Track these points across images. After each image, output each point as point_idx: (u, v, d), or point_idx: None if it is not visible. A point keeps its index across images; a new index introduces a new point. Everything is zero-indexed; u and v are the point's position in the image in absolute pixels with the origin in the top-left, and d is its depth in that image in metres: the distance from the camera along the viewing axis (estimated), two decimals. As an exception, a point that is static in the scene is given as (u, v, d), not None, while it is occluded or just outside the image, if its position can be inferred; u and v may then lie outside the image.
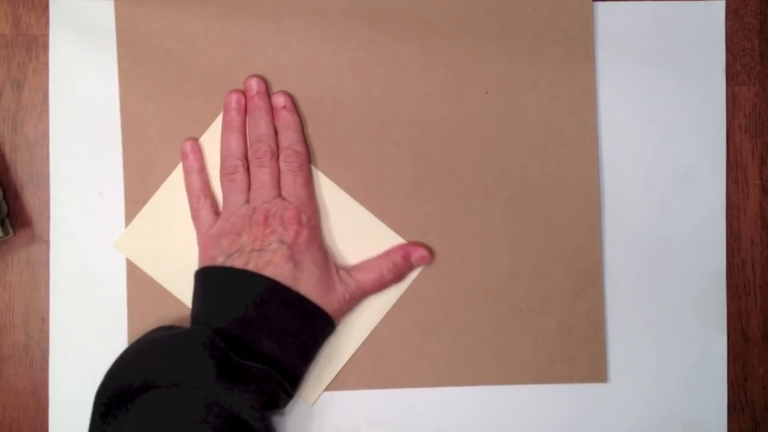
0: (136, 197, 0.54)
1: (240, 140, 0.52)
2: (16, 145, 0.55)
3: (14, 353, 0.54)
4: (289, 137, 0.52)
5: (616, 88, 0.54)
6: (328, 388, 0.54)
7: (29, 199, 0.55)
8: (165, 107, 0.54)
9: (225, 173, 0.52)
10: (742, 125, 0.55)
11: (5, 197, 0.54)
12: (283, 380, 0.48)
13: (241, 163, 0.52)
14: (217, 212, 0.52)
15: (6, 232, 0.53)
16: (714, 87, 0.54)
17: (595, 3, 0.54)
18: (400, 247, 0.53)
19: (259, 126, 0.52)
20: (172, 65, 0.54)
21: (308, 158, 0.53)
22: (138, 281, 0.53)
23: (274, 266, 0.49)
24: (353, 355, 0.54)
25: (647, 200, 0.54)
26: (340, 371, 0.53)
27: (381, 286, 0.52)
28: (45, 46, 0.54)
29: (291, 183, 0.51)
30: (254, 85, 0.53)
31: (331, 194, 0.54)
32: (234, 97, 0.53)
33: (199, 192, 0.53)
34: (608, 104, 0.54)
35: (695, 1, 0.54)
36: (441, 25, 0.54)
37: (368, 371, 0.54)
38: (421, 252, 0.52)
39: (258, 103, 0.52)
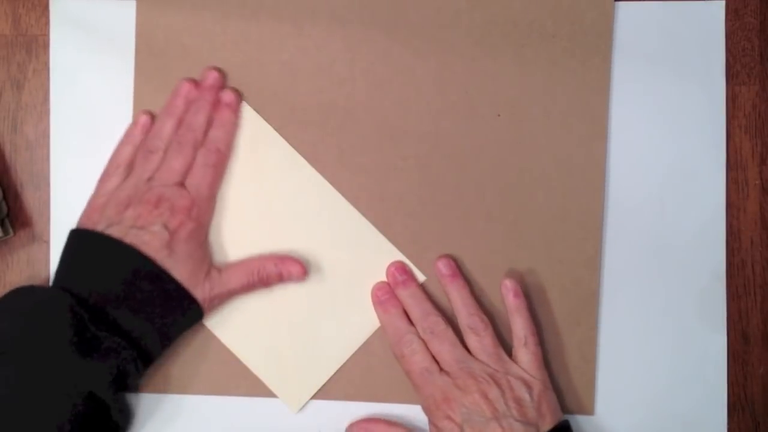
0: None
1: (174, 127, 0.52)
2: (16, 145, 0.55)
3: (14, 353, 0.54)
4: (218, 134, 0.52)
5: (616, 88, 0.54)
6: (314, 397, 0.54)
7: (29, 199, 0.55)
8: None
9: (144, 148, 0.52)
10: (742, 125, 0.55)
11: (5, 197, 0.54)
12: (138, 357, 0.47)
13: (164, 146, 0.51)
14: None
15: (6, 232, 0.53)
16: (714, 87, 0.54)
17: (595, 3, 0.54)
18: (275, 258, 0.52)
19: (197, 116, 0.52)
20: (188, 60, 0.54)
21: (226, 162, 0.52)
22: None
23: (149, 247, 0.48)
24: (342, 366, 0.53)
25: (647, 200, 0.54)
26: (328, 380, 0.53)
27: (248, 289, 0.52)
28: (45, 46, 0.54)
29: (199, 176, 0.51)
30: (210, 78, 0.53)
31: (333, 202, 0.53)
32: (186, 86, 0.53)
33: (122, 163, 0.52)
34: (608, 104, 0.54)
35: (695, 1, 0.54)
36: (459, 45, 0.54)
37: (355, 383, 0.53)
38: (295, 268, 0.52)
39: (206, 95, 0.52)
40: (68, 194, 0.54)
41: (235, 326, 0.53)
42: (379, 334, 0.54)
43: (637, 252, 0.54)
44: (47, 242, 0.54)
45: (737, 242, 0.55)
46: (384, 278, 0.53)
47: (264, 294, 0.53)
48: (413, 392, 0.53)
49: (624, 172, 0.54)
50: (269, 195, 0.54)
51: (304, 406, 0.54)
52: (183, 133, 0.51)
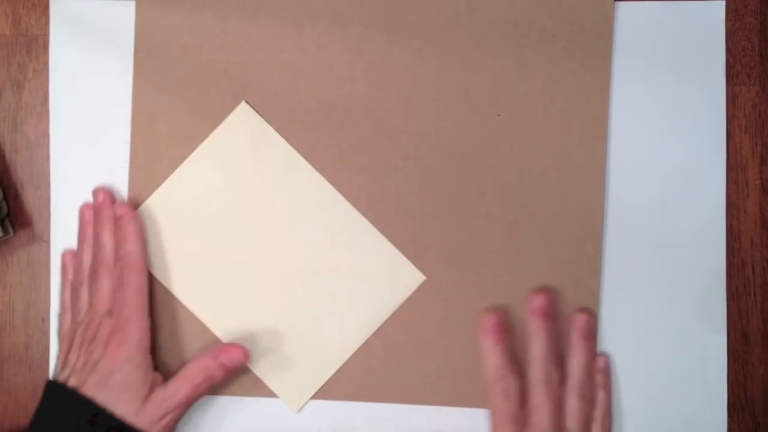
0: (140, 189, 0.54)
1: (90, 254, 0.52)
2: (16, 145, 0.55)
3: (14, 353, 0.54)
4: (126, 248, 0.51)
5: (616, 88, 0.54)
6: (313, 396, 0.54)
7: (29, 199, 0.55)
8: (177, 101, 0.54)
9: (73, 286, 0.53)
10: (742, 125, 0.55)
11: (5, 197, 0.54)
12: None
13: (87, 277, 0.52)
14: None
15: (6, 232, 0.53)
16: (714, 87, 0.54)
17: (595, 3, 0.54)
18: (212, 353, 0.51)
19: (101, 237, 0.52)
20: (187, 60, 0.54)
21: (143, 268, 0.51)
22: None
23: (87, 386, 0.48)
24: (341, 366, 0.53)
25: (647, 200, 0.54)
26: (327, 380, 0.53)
27: (198, 395, 0.50)
28: (45, 46, 0.54)
29: (120, 296, 0.50)
30: (99, 198, 0.53)
31: (333, 203, 0.53)
32: (85, 212, 0.53)
33: (66, 307, 0.53)
34: (608, 104, 0.54)
35: (695, 1, 0.54)
36: (459, 46, 0.53)
37: (355, 383, 0.53)
38: (235, 353, 0.51)
39: (102, 214, 0.52)
40: (68, 194, 0.54)
41: (236, 326, 0.53)
42: (379, 334, 0.54)
43: (637, 252, 0.54)
44: (47, 242, 0.54)
45: (737, 242, 0.55)
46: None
47: (264, 293, 0.53)
48: (412, 392, 0.53)
49: (624, 172, 0.54)
50: (270, 195, 0.54)
51: (303, 406, 0.54)
52: (95, 258, 0.52)
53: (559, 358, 0.51)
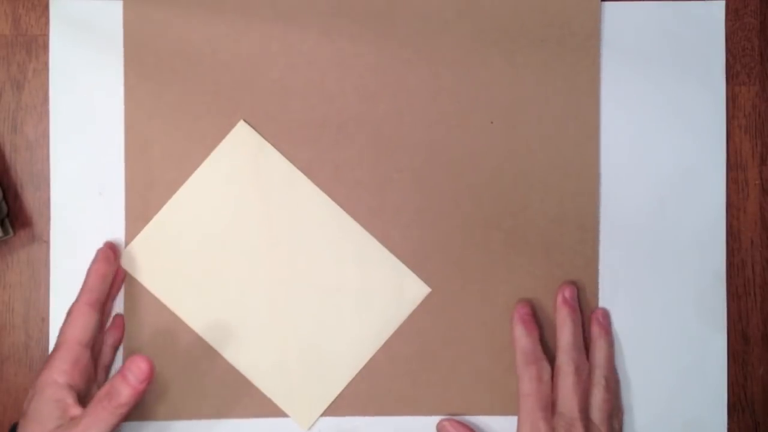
0: (137, 215, 0.53)
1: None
2: (16, 145, 0.55)
3: (14, 353, 0.54)
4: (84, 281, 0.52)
5: (616, 88, 0.54)
6: (323, 414, 0.53)
7: (29, 199, 0.55)
8: (170, 126, 0.53)
9: None
10: (742, 125, 0.55)
11: (5, 197, 0.54)
12: None
13: None
14: None
15: (6, 232, 0.53)
16: (714, 87, 0.54)
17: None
18: (120, 371, 0.46)
19: None
20: (178, 84, 0.53)
21: (88, 305, 0.50)
22: (135, 293, 0.53)
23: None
24: (348, 382, 0.53)
25: (647, 200, 0.54)
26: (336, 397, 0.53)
27: (106, 418, 0.45)
28: (45, 46, 0.54)
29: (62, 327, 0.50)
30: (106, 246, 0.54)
31: (336, 219, 0.53)
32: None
33: None
34: (607, 104, 0.54)
35: (695, 1, 0.54)
36: (449, 55, 0.53)
37: (363, 397, 0.53)
38: (135, 368, 0.45)
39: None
40: (68, 194, 0.54)
41: (242, 346, 0.53)
42: (384, 349, 0.53)
43: (637, 252, 0.54)
44: (47, 242, 0.54)
45: (737, 242, 0.55)
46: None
47: (270, 312, 0.53)
48: (419, 404, 0.53)
49: (624, 173, 0.54)
50: (272, 213, 0.53)
51: (314, 423, 0.53)
52: None
53: (584, 349, 0.52)
